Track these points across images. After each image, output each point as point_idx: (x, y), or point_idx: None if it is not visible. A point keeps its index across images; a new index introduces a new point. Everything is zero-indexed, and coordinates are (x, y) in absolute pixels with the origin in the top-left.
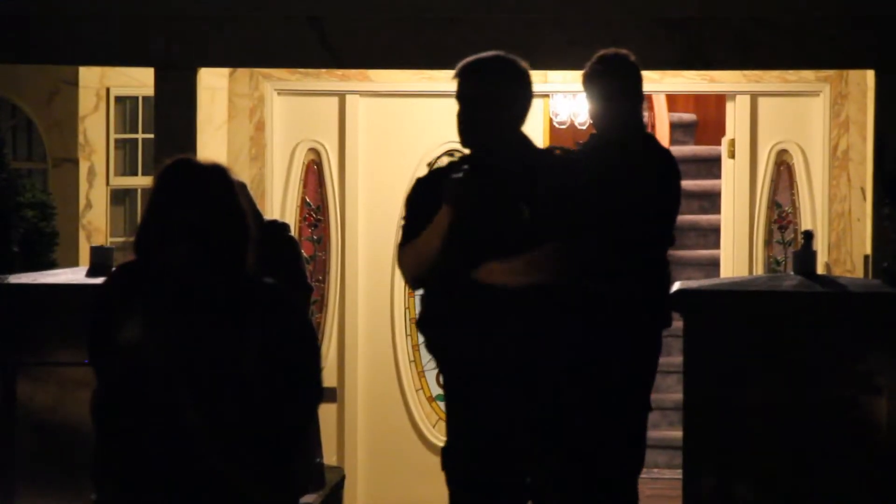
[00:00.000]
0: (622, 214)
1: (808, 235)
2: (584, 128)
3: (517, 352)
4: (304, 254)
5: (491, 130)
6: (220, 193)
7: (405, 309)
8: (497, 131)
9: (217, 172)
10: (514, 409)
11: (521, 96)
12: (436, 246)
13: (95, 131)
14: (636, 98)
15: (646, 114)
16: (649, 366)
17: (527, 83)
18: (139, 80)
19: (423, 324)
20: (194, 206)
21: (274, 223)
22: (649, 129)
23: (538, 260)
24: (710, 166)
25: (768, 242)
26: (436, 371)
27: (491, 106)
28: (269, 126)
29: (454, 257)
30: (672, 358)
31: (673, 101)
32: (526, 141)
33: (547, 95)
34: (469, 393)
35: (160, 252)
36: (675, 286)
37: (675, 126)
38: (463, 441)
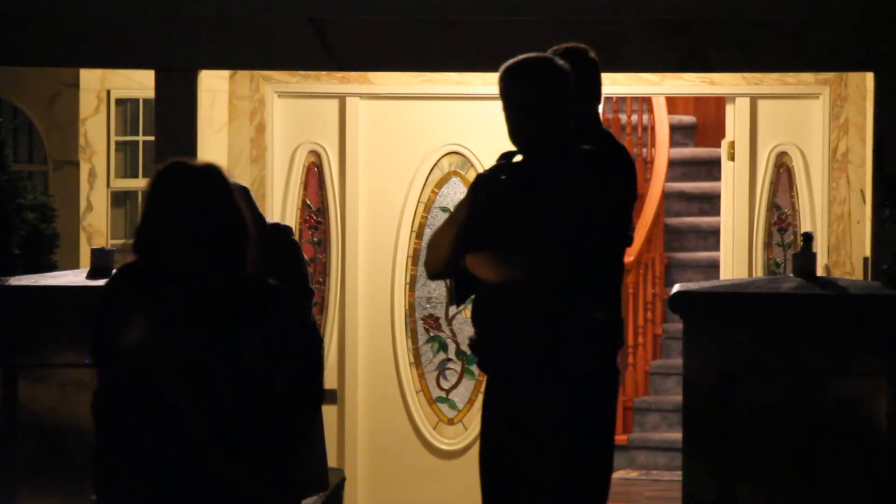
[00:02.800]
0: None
1: (808, 237)
2: None
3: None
4: (305, 256)
5: (530, 131)
6: (216, 194)
7: (405, 311)
8: (535, 132)
9: (211, 173)
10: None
11: (559, 97)
12: (450, 237)
13: (96, 133)
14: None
15: (645, 116)
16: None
17: (565, 83)
18: (140, 83)
19: (474, 320)
20: (189, 208)
21: (277, 226)
22: (649, 132)
23: (505, 257)
24: (710, 168)
25: (768, 244)
26: (436, 373)
27: (531, 107)
28: (269, 128)
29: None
30: (672, 360)
31: (673, 103)
32: (569, 141)
33: None
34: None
35: (160, 254)
36: (675, 288)
37: (674, 128)
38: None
